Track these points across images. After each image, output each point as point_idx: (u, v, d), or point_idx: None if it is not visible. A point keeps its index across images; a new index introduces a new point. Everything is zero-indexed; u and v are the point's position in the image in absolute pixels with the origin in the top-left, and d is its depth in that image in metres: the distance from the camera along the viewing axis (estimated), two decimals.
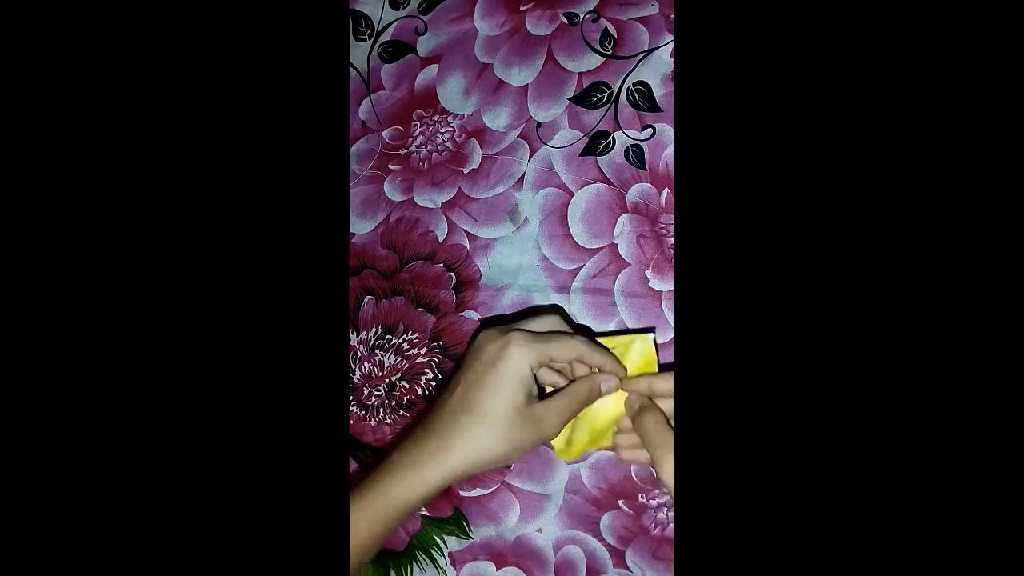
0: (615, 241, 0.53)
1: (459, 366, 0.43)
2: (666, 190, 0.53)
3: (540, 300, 0.54)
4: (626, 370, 0.45)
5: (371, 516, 0.39)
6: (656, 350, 0.46)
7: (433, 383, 0.56)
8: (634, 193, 0.53)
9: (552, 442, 0.46)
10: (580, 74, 0.56)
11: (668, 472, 0.38)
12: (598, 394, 0.44)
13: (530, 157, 0.56)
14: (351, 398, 0.58)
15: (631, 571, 0.51)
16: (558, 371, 0.45)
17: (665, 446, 0.39)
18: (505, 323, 0.44)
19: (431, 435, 0.41)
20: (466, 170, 0.57)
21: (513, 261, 0.55)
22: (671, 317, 0.51)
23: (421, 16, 0.61)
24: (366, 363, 0.58)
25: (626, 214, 0.53)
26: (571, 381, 0.44)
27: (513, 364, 0.40)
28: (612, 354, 0.45)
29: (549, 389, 0.45)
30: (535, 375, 0.42)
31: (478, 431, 0.40)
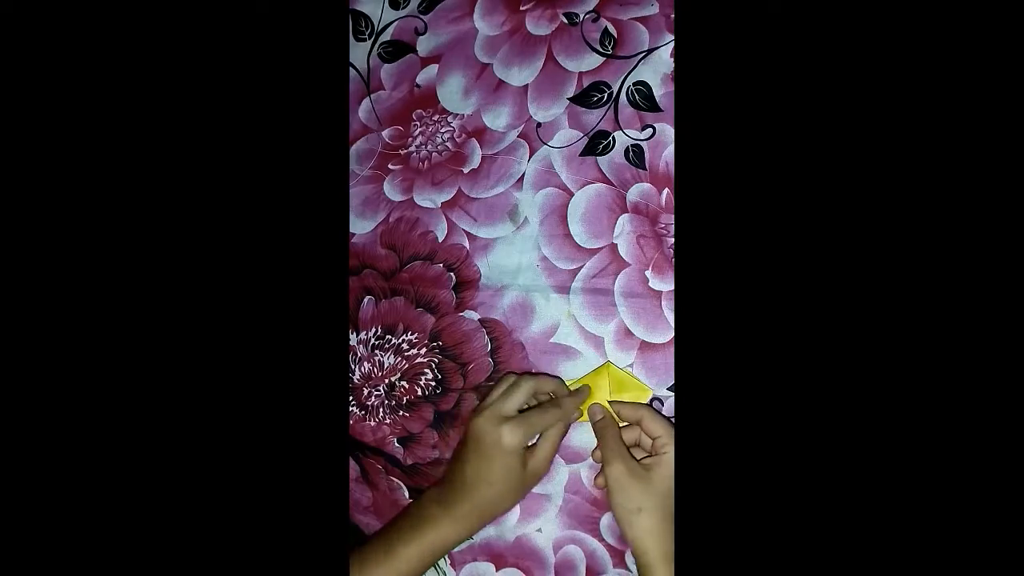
0: (615, 241, 0.53)
1: (461, 452, 0.49)
2: (666, 190, 0.52)
3: (540, 300, 0.54)
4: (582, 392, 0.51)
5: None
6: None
7: (433, 383, 0.56)
8: (634, 193, 0.53)
9: None
10: (580, 74, 0.56)
11: (607, 475, 0.45)
12: (568, 419, 0.49)
13: (530, 157, 0.56)
14: (351, 398, 0.58)
15: (631, 571, 0.51)
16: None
17: (612, 452, 0.46)
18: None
19: (449, 504, 0.47)
20: (466, 170, 0.57)
21: (513, 261, 0.55)
22: (671, 317, 0.51)
23: (421, 16, 0.61)
24: (366, 363, 0.58)
25: (626, 214, 0.53)
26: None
27: (510, 449, 0.46)
28: (557, 378, 0.51)
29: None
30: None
31: (493, 498, 0.48)
